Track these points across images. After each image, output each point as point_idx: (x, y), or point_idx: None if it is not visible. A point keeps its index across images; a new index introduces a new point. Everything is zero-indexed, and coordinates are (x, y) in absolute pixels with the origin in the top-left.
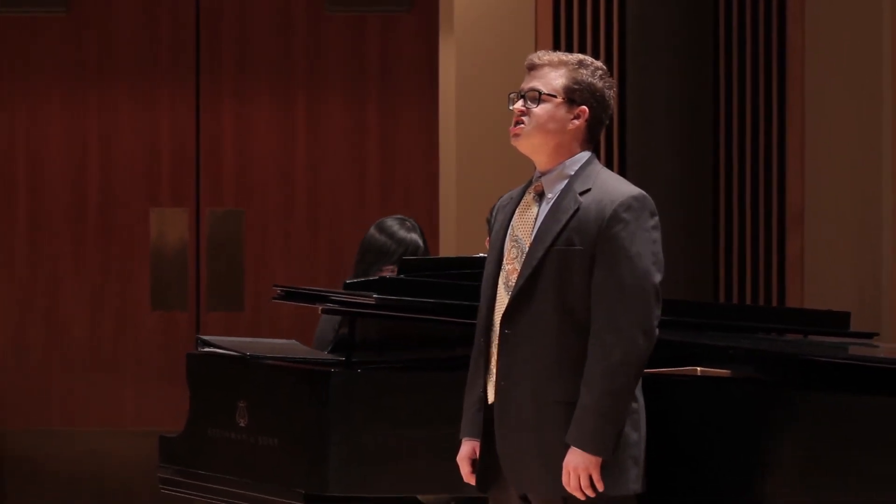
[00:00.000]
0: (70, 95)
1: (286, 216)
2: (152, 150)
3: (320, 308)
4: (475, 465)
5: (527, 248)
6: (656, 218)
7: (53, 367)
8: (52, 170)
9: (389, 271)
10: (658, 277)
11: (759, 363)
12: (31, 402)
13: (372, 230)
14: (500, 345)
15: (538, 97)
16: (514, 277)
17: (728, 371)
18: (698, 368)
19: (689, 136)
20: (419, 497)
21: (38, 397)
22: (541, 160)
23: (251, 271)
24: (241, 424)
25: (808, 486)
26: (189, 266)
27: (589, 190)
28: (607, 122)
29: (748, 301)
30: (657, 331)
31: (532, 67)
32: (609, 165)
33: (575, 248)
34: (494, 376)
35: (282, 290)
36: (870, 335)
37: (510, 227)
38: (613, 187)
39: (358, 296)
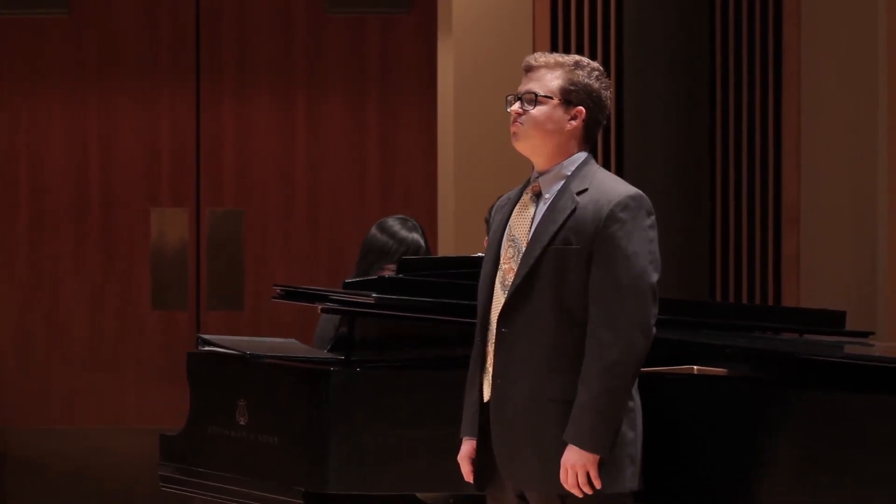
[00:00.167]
0: (71, 96)
1: (286, 216)
2: (153, 151)
3: (320, 307)
4: (476, 463)
5: (524, 248)
6: (653, 217)
7: (55, 366)
8: (53, 170)
9: (390, 270)
10: (655, 276)
11: (755, 362)
12: (33, 400)
13: (373, 230)
14: (496, 343)
15: (535, 99)
16: (510, 277)
17: (724, 370)
18: (695, 367)
19: (685, 136)
20: (418, 495)
21: (39, 396)
22: (539, 161)
23: (251, 271)
24: (242, 423)
25: (803, 483)
26: (189, 266)
27: (586, 190)
28: (604, 122)
29: (744, 300)
30: (654, 329)
31: (529, 69)
32: (606, 165)
33: (572, 247)
34: (491, 375)
35: (282, 290)
36: (865, 334)
37: (507, 226)
38: (610, 187)
39: (357, 295)
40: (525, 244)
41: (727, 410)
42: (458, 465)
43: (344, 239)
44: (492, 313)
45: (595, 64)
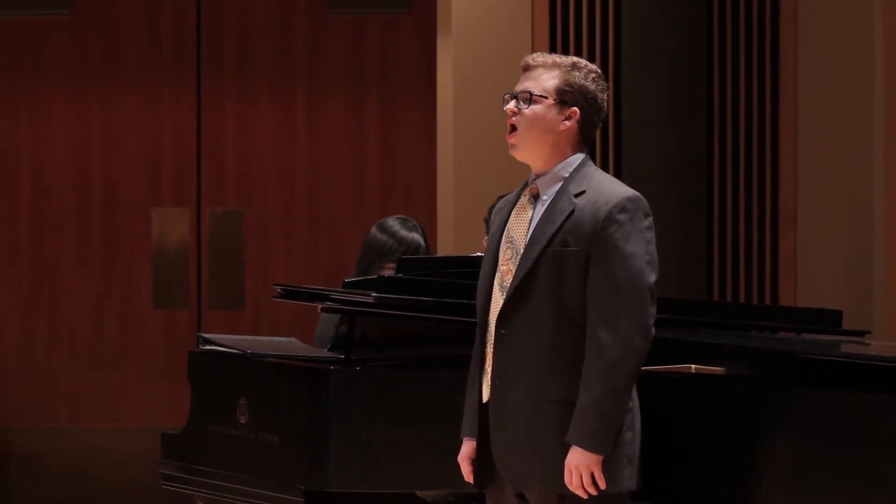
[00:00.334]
0: (72, 96)
1: (286, 216)
2: (154, 151)
3: (320, 307)
4: (475, 463)
5: (522, 250)
6: (650, 219)
7: (58, 366)
8: (54, 170)
9: (390, 270)
10: (653, 277)
11: (752, 361)
12: (36, 399)
13: (373, 230)
14: (495, 344)
15: (530, 98)
16: (508, 278)
17: (722, 369)
18: (693, 366)
19: (683, 137)
20: (418, 493)
21: (42, 395)
22: (536, 163)
23: (252, 270)
24: (242, 421)
25: (801, 482)
26: (190, 265)
27: (584, 192)
28: (599, 124)
29: (742, 300)
30: (653, 330)
31: (527, 68)
32: (605, 166)
33: (570, 248)
34: (489, 375)
35: (282, 289)
36: (861, 333)
37: (506, 228)
38: (608, 189)
39: (357, 294)
40: (523, 246)
41: (725, 409)
42: (457, 464)
43: (344, 239)
44: (490, 314)
45: (592, 66)
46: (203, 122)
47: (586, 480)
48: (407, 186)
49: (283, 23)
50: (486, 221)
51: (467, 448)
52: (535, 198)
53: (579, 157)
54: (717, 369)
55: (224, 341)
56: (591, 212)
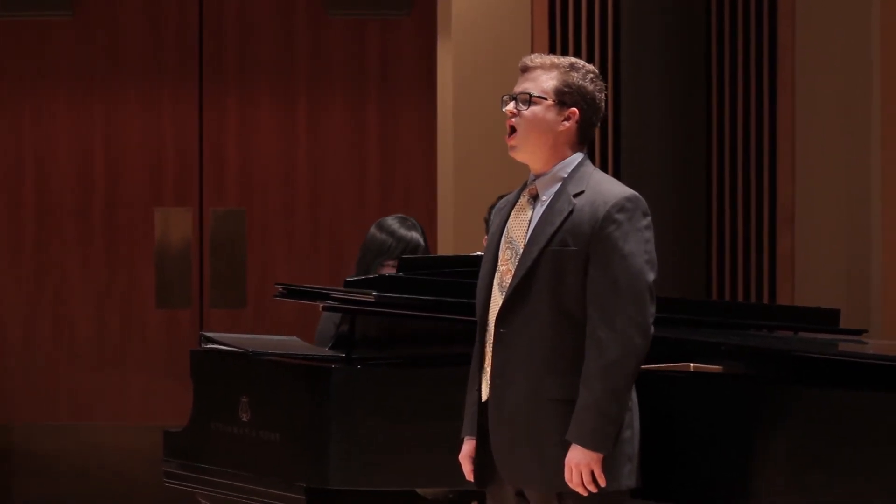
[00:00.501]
0: (76, 97)
1: (287, 215)
2: (156, 152)
3: (321, 305)
4: (476, 462)
5: (521, 250)
6: (649, 218)
7: (61, 364)
8: (58, 170)
9: (390, 268)
10: (651, 276)
11: (750, 359)
12: (40, 397)
13: (372, 229)
14: (494, 344)
15: (529, 99)
16: (508, 278)
17: (720, 367)
18: (691, 364)
19: (681, 137)
20: (418, 491)
21: (46, 393)
22: (535, 163)
23: (253, 269)
24: (244, 419)
25: (799, 480)
26: (192, 264)
27: (582, 192)
28: (598, 123)
29: (740, 299)
30: (652, 329)
31: (525, 70)
32: (603, 166)
33: (569, 248)
34: (489, 374)
35: (283, 288)
36: (859, 332)
37: (505, 229)
38: (607, 189)
39: (358, 293)
40: (522, 246)
41: (723, 407)
42: (457, 461)
43: (344, 238)
44: (490, 314)
45: (590, 66)
46: (205, 122)
47: (586, 478)
48: (407, 186)
49: (284, 24)
50: (486, 221)
51: (468, 447)
52: (535, 198)
53: (578, 157)
54: (716, 368)
55: (226, 340)
56: (590, 212)
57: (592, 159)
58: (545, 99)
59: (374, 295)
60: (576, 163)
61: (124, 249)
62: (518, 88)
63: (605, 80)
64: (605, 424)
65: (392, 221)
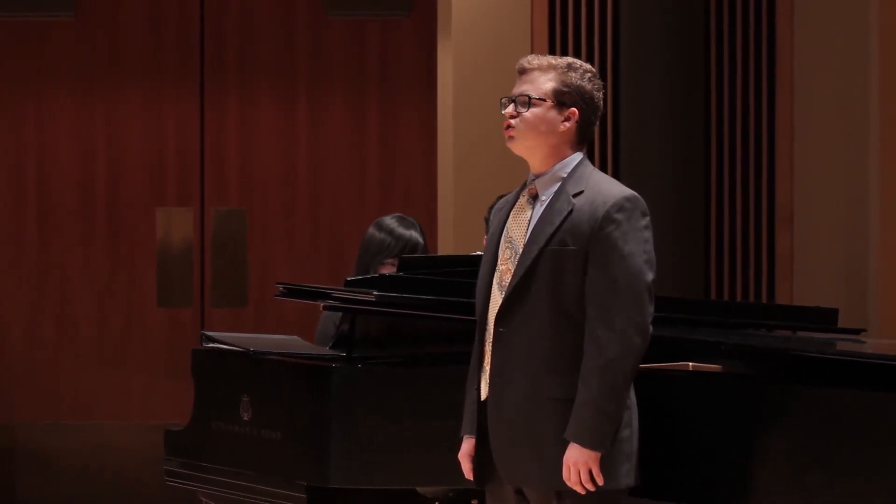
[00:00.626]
0: (78, 98)
1: (288, 215)
2: (158, 152)
3: (322, 305)
4: (475, 461)
5: (521, 250)
6: (648, 218)
7: (63, 363)
8: (60, 170)
9: (390, 266)
10: (650, 276)
11: (749, 358)
12: (42, 396)
13: (371, 229)
14: (494, 343)
15: (528, 101)
16: (507, 278)
17: (719, 366)
18: (690, 364)
19: (680, 137)
20: (418, 489)
21: (48, 392)
22: (534, 163)
23: (254, 269)
24: (245, 418)
25: (799, 479)
26: (194, 264)
27: (582, 192)
28: (597, 122)
29: (739, 298)
30: (651, 328)
31: (522, 71)
32: (602, 165)
33: (568, 248)
34: (488, 373)
35: (284, 288)
36: (857, 331)
37: (505, 228)
38: (606, 189)
39: (358, 293)
40: (522, 246)
41: (722, 406)
42: (457, 460)
43: (345, 238)
44: (489, 313)
45: (587, 66)
46: (206, 123)
47: (584, 477)
48: (407, 186)
49: (284, 25)
50: (487, 221)
51: (467, 446)
52: (534, 198)
53: (577, 157)
54: (715, 367)
55: (227, 339)
56: (590, 211)
57: (592, 159)
58: (545, 101)
59: (374, 294)
60: (575, 163)
61: (126, 249)
62: (517, 91)
63: (604, 79)
64: (604, 423)
65: (390, 220)
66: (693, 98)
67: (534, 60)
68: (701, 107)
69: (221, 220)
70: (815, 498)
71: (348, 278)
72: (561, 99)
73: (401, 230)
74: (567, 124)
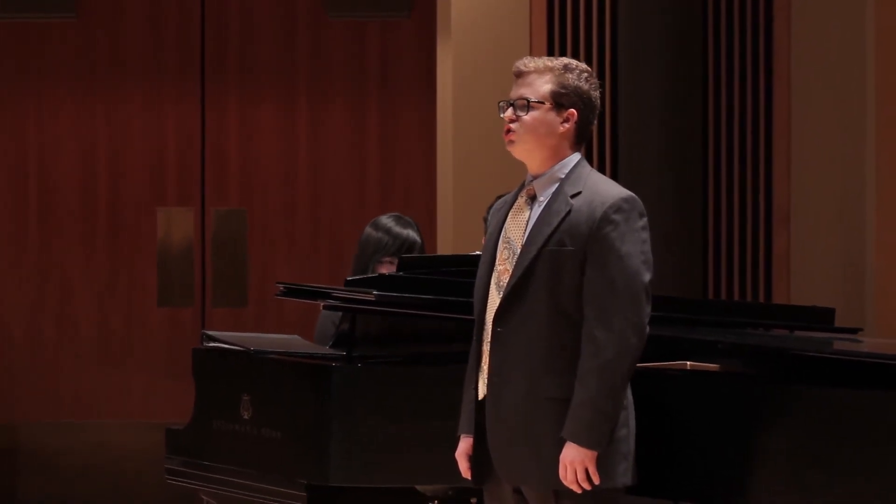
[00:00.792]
0: (79, 98)
1: (288, 215)
2: (159, 152)
3: (322, 304)
4: (472, 460)
5: (519, 250)
6: (645, 219)
7: (64, 362)
8: (61, 170)
9: (388, 265)
10: (648, 276)
11: (747, 358)
12: (43, 395)
13: (368, 228)
14: (492, 343)
15: (527, 105)
16: (505, 278)
17: (717, 365)
18: (688, 363)
19: (679, 137)
20: (418, 488)
21: (49, 391)
22: (533, 164)
23: (254, 268)
24: (245, 417)
25: (797, 478)
26: (195, 264)
27: (580, 193)
28: (595, 121)
29: (736, 298)
30: (648, 328)
31: (519, 74)
32: (601, 165)
33: (566, 248)
34: (486, 373)
35: (284, 287)
36: (854, 330)
37: (503, 229)
38: (604, 190)
39: (358, 292)
40: (520, 246)
41: (720, 405)
42: (455, 459)
43: (344, 238)
44: (487, 313)
45: (583, 65)
46: (207, 123)
47: (581, 476)
48: (407, 186)
49: (285, 26)
50: (485, 221)
51: (464, 444)
52: (532, 199)
53: (575, 157)
54: (712, 366)
55: (228, 338)
56: (588, 212)
57: (591, 157)
58: (543, 104)
59: (374, 294)
60: (573, 163)
61: (126, 249)
62: (514, 94)
63: (602, 79)
64: (601, 422)
65: (387, 220)
66: (691, 98)
67: (530, 63)
68: (699, 106)
69: (222, 219)
70: (815, 497)
71: (348, 278)
72: (559, 100)
73: (398, 229)
74: (566, 125)
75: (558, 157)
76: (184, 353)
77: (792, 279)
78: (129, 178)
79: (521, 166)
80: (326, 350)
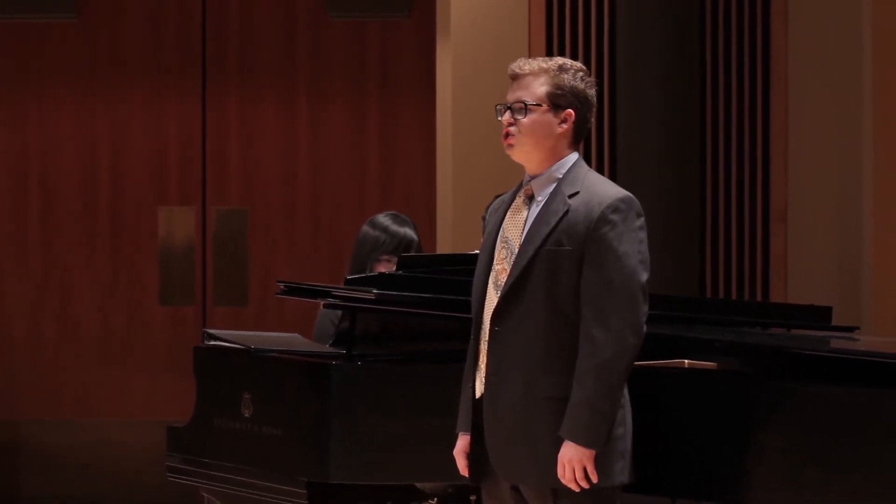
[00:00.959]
0: (81, 99)
1: (289, 214)
2: (160, 152)
3: (322, 303)
4: (470, 458)
5: (516, 250)
6: (642, 219)
7: (66, 361)
8: (63, 170)
9: (385, 263)
10: (645, 276)
11: (744, 356)
12: (46, 393)
13: (365, 227)
14: (489, 342)
15: (524, 108)
16: (503, 277)
17: (714, 363)
18: (686, 361)
19: (677, 137)
20: (417, 485)
21: (52, 389)
22: (531, 165)
23: (255, 267)
24: (246, 415)
25: (793, 475)
26: (196, 263)
27: (577, 193)
28: (592, 119)
29: (734, 296)
30: (645, 328)
31: (515, 77)
32: (599, 164)
33: (564, 248)
34: (484, 372)
35: (285, 286)
36: (850, 329)
37: (501, 229)
38: (601, 190)
39: (358, 291)
40: (518, 246)
41: (718, 403)
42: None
43: (345, 237)
44: (485, 312)
45: (578, 64)
46: (208, 123)
47: (578, 474)
48: (407, 186)
49: (285, 26)
50: (484, 220)
51: (462, 442)
52: (530, 199)
53: (573, 157)
54: (710, 364)
55: (228, 337)
56: (585, 212)
57: (589, 157)
58: (540, 105)
59: (374, 292)
60: (570, 163)
61: (128, 248)
62: (511, 97)
63: (601, 79)
64: (598, 421)
65: (384, 218)
66: (689, 98)
67: (525, 66)
68: (697, 106)
69: (223, 219)
70: (811, 495)
71: (348, 276)
72: (556, 102)
73: (395, 227)
74: (564, 126)
75: (556, 157)
76: (185, 351)
77: (789, 278)
78: (131, 177)
79: (521, 166)
80: (326, 348)
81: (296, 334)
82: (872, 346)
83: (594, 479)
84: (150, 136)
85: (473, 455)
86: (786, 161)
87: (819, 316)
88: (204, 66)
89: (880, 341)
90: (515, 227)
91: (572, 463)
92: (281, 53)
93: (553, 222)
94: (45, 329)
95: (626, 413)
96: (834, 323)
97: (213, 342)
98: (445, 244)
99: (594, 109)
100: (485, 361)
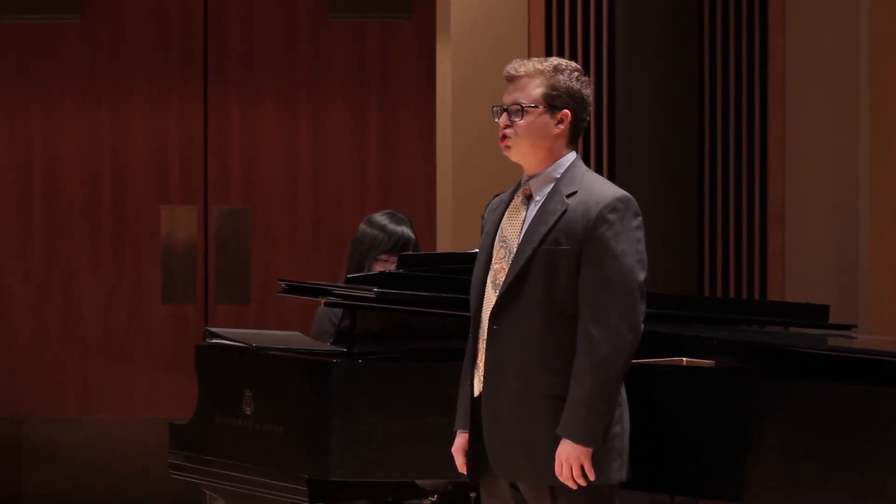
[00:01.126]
0: (83, 98)
1: (290, 214)
2: (163, 151)
3: (323, 301)
4: (469, 456)
5: (515, 249)
6: (640, 218)
7: (69, 359)
8: (67, 170)
9: (383, 262)
10: (642, 275)
11: (742, 354)
12: (48, 391)
13: (362, 226)
14: (488, 340)
15: (521, 110)
16: (501, 276)
17: (712, 361)
18: (684, 359)
19: (674, 136)
20: (417, 482)
21: (54, 387)
22: (529, 165)
23: (256, 266)
24: (248, 412)
25: (790, 473)
26: (198, 261)
27: (575, 192)
28: (588, 117)
29: (731, 295)
30: (642, 327)
31: (511, 79)
32: (598, 163)
33: (562, 248)
34: (482, 370)
35: (286, 284)
36: (848, 327)
37: (499, 228)
38: (599, 189)
39: (359, 289)
40: (516, 245)
41: (715, 401)
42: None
43: (345, 236)
44: (483, 311)
45: (573, 64)
46: (210, 123)
47: (576, 472)
48: (407, 186)
49: (286, 26)
50: (483, 219)
51: (461, 440)
52: (528, 198)
53: (570, 157)
54: (708, 362)
55: (230, 335)
56: (583, 212)
57: (587, 157)
58: (536, 107)
59: (375, 291)
60: (568, 163)
61: (131, 247)
62: (508, 100)
63: (599, 79)
64: (596, 420)
65: (381, 217)
66: (687, 98)
67: (520, 67)
68: (694, 106)
69: (225, 218)
70: (808, 492)
71: (348, 275)
72: (552, 103)
73: (392, 226)
74: (561, 126)
75: (554, 157)
76: (187, 349)
77: (787, 276)
78: (133, 176)
79: (520, 166)
80: (327, 346)
81: (297, 332)
82: (869, 344)
83: (592, 477)
84: (151, 135)
85: (472, 453)
86: (783, 160)
87: (816, 314)
88: (205, 66)
89: (877, 339)
90: (514, 227)
91: (570, 461)
92: (282, 54)
93: (551, 222)
94: (49, 327)
95: (624, 411)
96: (831, 321)
97: (214, 340)
98: (445, 244)
99: (590, 108)
100: (483, 360)
